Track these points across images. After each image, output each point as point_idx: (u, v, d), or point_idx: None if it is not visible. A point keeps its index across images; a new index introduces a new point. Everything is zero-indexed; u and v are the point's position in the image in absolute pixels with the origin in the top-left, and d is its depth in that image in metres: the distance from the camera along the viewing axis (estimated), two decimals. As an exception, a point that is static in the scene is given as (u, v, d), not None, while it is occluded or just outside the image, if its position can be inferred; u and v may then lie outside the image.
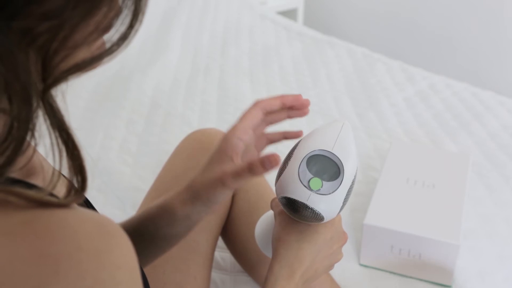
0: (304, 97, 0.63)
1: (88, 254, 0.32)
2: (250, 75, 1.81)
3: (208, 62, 1.89)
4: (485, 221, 1.13)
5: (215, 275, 0.97)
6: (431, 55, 2.65)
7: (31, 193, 0.33)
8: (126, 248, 0.34)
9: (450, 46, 2.57)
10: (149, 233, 0.64)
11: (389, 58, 1.95)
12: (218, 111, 1.57)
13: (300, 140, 0.61)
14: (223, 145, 0.58)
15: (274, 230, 0.62)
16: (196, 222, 0.62)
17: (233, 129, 0.59)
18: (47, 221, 0.32)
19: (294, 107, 0.63)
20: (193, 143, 0.95)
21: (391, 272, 0.99)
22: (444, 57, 2.60)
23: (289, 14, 2.98)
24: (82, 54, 0.37)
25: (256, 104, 0.60)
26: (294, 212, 0.58)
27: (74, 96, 1.56)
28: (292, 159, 0.59)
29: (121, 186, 1.20)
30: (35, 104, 0.33)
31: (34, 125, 0.34)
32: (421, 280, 0.98)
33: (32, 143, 0.35)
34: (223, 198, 0.57)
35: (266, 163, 0.50)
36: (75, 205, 0.36)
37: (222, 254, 1.00)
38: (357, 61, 1.92)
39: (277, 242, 0.60)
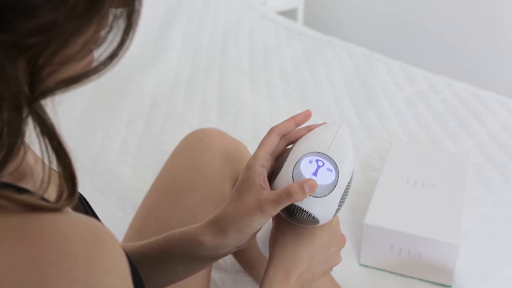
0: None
1: (79, 260, 0.31)
2: (250, 75, 1.81)
3: (208, 62, 1.89)
4: (485, 221, 1.13)
5: (215, 275, 0.97)
6: (431, 55, 2.65)
7: (22, 197, 0.33)
8: (117, 254, 0.34)
9: (450, 46, 2.57)
10: (170, 261, 0.62)
11: (389, 58, 1.95)
12: (218, 111, 1.57)
13: (296, 142, 0.61)
14: (249, 175, 0.58)
15: (270, 233, 0.61)
16: (221, 256, 0.61)
17: (255, 158, 0.59)
18: (37, 226, 0.32)
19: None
20: (193, 142, 0.95)
21: (391, 272, 0.99)
22: (444, 57, 2.60)
23: (289, 14, 2.98)
24: (70, 70, 0.37)
25: (271, 130, 0.61)
26: (290, 215, 0.58)
27: (74, 97, 1.56)
28: (287, 161, 0.58)
29: (121, 187, 1.20)
30: (25, 112, 0.33)
31: (23, 132, 0.34)
32: (421, 280, 0.98)
33: (21, 150, 0.35)
34: (259, 227, 0.58)
35: (306, 187, 0.53)
36: (67, 209, 0.36)
37: (222, 254, 1.00)
38: (357, 61, 1.92)
39: (272, 244, 0.60)
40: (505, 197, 1.20)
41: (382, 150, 1.37)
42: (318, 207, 0.56)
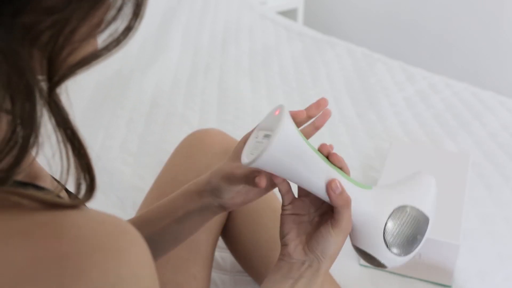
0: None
1: (108, 252, 0.32)
2: (250, 75, 1.81)
3: (208, 62, 1.89)
4: (485, 221, 1.12)
5: (215, 275, 0.97)
6: (431, 55, 2.65)
7: (43, 195, 0.33)
8: (142, 246, 0.34)
9: (450, 46, 2.57)
10: (167, 218, 0.67)
11: (389, 58, 1.95)
12: (218, 111, 1.57)
13: (383, 188, 0.59)
14: (239, 146, 0.62)
15: (331, 243, 0.59)
16: (207, 211, 0.65)
17: (247, 135, 0.62)
18: (62, 222, 0.32)
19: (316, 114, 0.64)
20: (194, 143, 0.95)
21: (391, 272, 0.99)
22: (444, 57, 2.60)
23: (289, 14, 2.98)
24: (88, 47, 0.37)
25: None
26: (362, 255, 0.60)
27: (75, 95, 1.56)
28: (375, 212, 0.57)
29: (121, 186, 1.20)
30: (39, 103, 0.33)
31: (39, 124, 0.34)
32: (421, 280, 0.98)
33: (36, 145, 0.35)
34: (228, 194, 0.62)
35: (257, 182, 0.56)
36: (84, 207, 0.36)
37: (222, 254, 1.00)
38: (357, 61, 1.92)
39: (330, 259, 0.60)
40: (505, 197, 1.20)
41: (382, 150, 1.37)
42: (397, 263, 0.59)
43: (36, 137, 0.34)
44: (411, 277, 0.98)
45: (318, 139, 1.47)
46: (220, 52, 1.96)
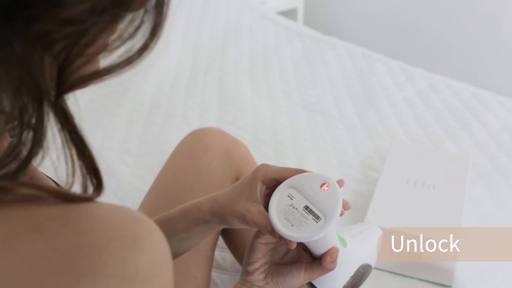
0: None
1: (125, 241, 0.31)
2: (250, 75, 1.81)
3: (208, 62, 1.89)
4: (485, 221, 1.13)
5: (215, 275, 0.97)
6: (431, 55, 2.65)
7: (56, 187, 0.33)
8: (159, 234, 0.34)
9: (450, 46, 2.57)
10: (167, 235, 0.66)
11: (389, 58, 1.95)
12: (218, 111, 1.57)
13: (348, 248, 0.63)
14: (253, 184, 0.61)
15: (297, 283, 0.63)
16: (209, 232, 0.66)
17: (265, 171, 0.61)
18: (75, 214, 0.32)
19: None
20: (193, 142, 0.95)
21: (391, 272, 0.99)
22: (444, 57, 2.61)
23: (289, 14, 2.98)
24: (101, 62, 0.37)
25: (301, 169, 0.61)
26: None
27: (74, 96, 1.56)
28: (344, 266, 0.62)
29: (121, 186, 1.20)
30: (46, 108, 0.33)
31: (45, 129, 0.34)
32: (421, 280, 0.98)
33: (42, 149, 0.35)
34: (239, 227, 0.63)
35: (279, 239, 0.58)
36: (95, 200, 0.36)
37: (222, 254, 1.00)
38: (357, 61, 1.92)
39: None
40: (505, 197, 1.20)
41: (382, 150, 1.37)
42: None
43: (42, 142, 0.34)
44: (411, 277, 0.98)
45: (318, 139, 1.46)
46: (220, 53, 1.96)
